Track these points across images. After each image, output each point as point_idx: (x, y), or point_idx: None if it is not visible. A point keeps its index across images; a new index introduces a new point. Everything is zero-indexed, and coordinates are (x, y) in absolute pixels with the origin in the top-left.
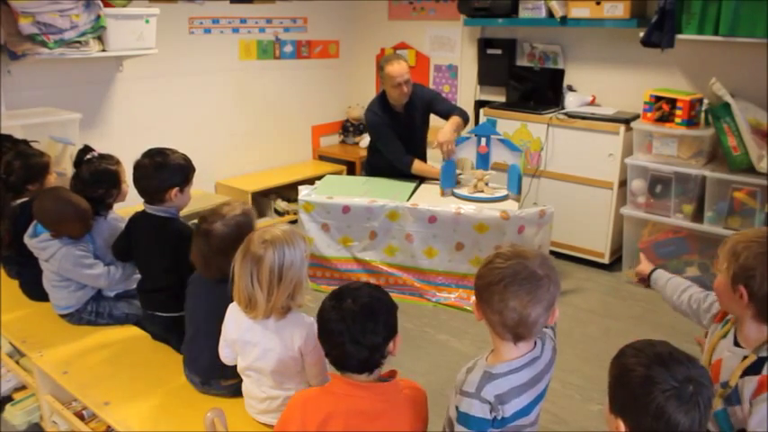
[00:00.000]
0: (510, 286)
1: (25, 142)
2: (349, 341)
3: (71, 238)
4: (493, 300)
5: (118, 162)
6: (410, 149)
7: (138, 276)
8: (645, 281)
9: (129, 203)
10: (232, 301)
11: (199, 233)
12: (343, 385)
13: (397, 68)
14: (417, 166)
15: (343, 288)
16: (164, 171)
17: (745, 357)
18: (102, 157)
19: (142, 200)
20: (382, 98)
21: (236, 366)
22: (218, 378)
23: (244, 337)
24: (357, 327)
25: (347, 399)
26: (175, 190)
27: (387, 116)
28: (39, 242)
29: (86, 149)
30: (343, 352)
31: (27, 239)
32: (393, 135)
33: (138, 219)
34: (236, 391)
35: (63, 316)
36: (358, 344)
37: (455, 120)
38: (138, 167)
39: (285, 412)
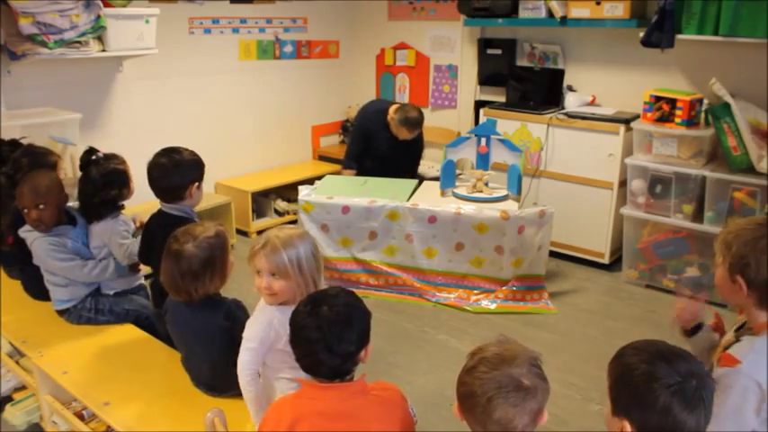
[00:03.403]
0: (494, 399)
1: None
2: (323, 350)
3: (47, 229)
4: (475, 411)
5: (124, 161)
6: (387, 159)
7: (137, 276)
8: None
9: (131, 203)
10: (218, 323)
11: (169, 254)
12: (309, 389)
13: (405, 135)
14: (347, 174)
15: (319, 294)
16: (182, 168)
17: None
18: (108, 157)
19: (142, 200)
20: (384, 113)
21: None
22: (224, 387)
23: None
24: (333, 335)
25: (312, 402)
26: (195, 185)
27: (382, 127)
28: (24, 231)
29: (91, 151)
30: (317, 359)
31: (20, 231)
32: (363, 141)
33: (154, 217)
34: (240, 394)
35: (62, 312)
36: (332, 352)
37: None
38: (156, 167)
39: (263, 418)
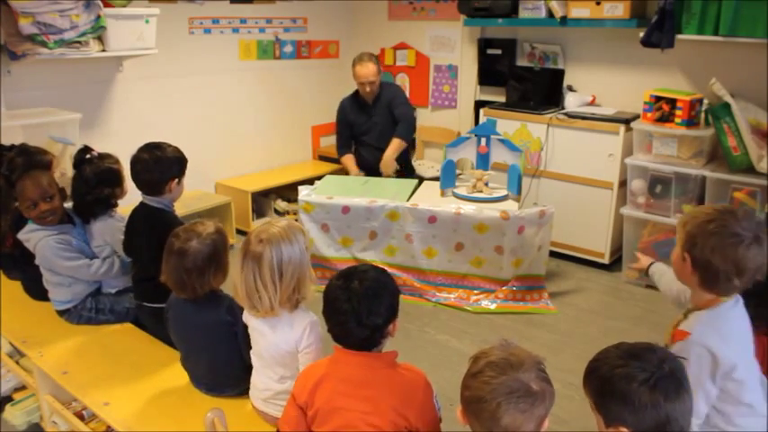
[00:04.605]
0: (503, 405)
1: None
2: (353, 321)
3: (50, 225)
4: (482, 416)
5: (117, 160)
6: (373, 138)
7: None
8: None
9: (125, 203)
10: (221, 318)
11: (173, 252)
12: (339, 353)
13: (362, 71)
14: (345, 159)
15: (351, 269)
16: (163, 163)
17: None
18: (102, 156)
19: (135, 199)
20: (356, 93)
21: (241, 373)
22: (223, 386)
23: (255, 325)
24: (362, 308)
25: (338, 365)
26: (175, 181)
27: (356, 106)
28: (23, 233)
29: (85, 150)
30: (346, 330)
31: (19, 234)
32: (345, 128)
33: (135, 211)
34: (240, 394)
35: (63, 312)
36: (361, 324)
37: (396, 144)
38: (138, 161)
39: (300, 373)
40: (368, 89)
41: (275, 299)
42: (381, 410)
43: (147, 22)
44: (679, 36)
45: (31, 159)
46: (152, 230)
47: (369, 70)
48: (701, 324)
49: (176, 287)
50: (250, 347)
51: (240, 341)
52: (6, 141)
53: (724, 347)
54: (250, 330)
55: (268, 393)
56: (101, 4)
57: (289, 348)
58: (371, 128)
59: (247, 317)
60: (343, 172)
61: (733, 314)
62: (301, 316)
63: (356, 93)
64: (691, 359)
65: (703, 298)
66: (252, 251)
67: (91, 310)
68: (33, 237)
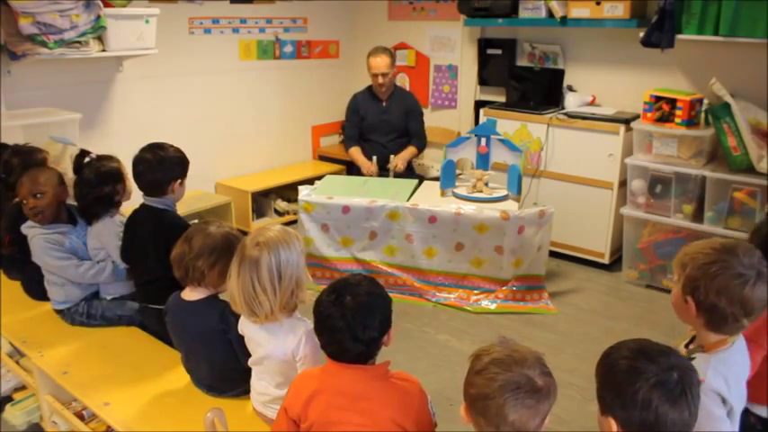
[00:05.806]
0: (510, 401)
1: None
2: (348, 338)
3: (47, 224)
4: (488, 413)
5: (117, 160)
6: (380, 135)
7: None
8: None
9: (127, 205)
10: (213, 325)
11: (188, 236)
12: (332, 366)
13: (375, 62)
14: (352, 152)
15: (341, 282)
16: (166, 164)
17: None
18: (101, 157)
19: (139, 200)
20: (369, 87)
21: (240, 375)
22: (223, 388)
23: (252, 335)
24: (357, 324)
25: (333, 378)
26: (177, 182)
27: (369, 101)
28: (25, 227)
29: (84, 153)
30: (342, 347)
31: (22, 227)
32: (356, 120)
33: (136, 212)
34: (240, 395)
35: (59, 312)
36: (356, 340)
37: (411, 151)
38: (141, 162)
39: (290, 386)
40: (380, 80)
41: (275, 303)
42: (379, 423)
43: (147, 22)
44: (679, 36)
45: (26, 159)
46: (157, 231)
47: (382, 62)
48: (712, 369)
49: (177, 267)
50: (249, 354)
51: (236, 347)
52: (6, 141)
53: (728, 394)
54: (246, 341)
55: (267, 398)
56: (101, 4)
57: (285, 358)
58: (381, 125)
59: (243, 326)
60: (344, 171)
61: (738, 359)
62: (298, 324)
63: (369, 88)
64: (705, 402)
65: (710, 339)
66: (249, 256)
67: (83, 314)
68: (30, 233)
